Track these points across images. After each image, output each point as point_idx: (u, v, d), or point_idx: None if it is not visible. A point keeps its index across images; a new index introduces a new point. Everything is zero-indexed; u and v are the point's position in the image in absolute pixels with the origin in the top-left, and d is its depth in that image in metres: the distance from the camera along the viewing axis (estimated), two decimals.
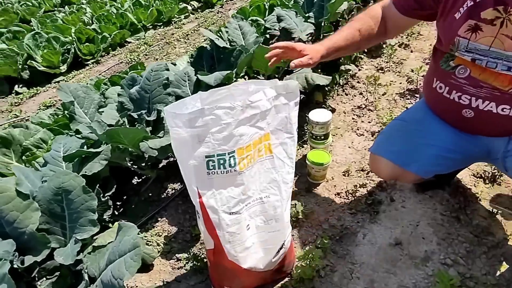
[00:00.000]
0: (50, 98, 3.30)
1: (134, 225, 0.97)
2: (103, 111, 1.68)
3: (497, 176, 1.55)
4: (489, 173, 1.58)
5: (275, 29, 2.54)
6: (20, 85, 3.55)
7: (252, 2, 3.58)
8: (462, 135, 1.21)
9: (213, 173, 1.03)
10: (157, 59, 3.66)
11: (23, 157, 1.71)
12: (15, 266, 0.96)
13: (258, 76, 2.19)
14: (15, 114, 3.06)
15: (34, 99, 3.37)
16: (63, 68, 3.71)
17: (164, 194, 1.73)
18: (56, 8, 6.45)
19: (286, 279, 1.28)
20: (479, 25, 1.01)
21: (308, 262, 1.27)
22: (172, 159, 1.83)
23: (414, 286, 1.20)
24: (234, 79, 1.93)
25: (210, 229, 1.08)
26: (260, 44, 1.93)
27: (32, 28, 4.54)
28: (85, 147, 1.46)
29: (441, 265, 1.24)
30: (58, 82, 3.60)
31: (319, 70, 2.34)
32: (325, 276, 1.28)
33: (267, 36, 2.52)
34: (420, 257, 1.29)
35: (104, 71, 3.60)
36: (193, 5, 5.26)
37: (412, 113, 1.37)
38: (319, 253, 1.29)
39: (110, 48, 4.09)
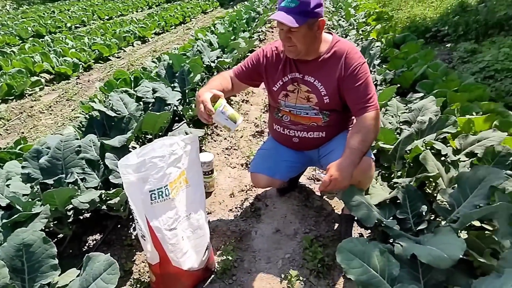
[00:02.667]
0: None
1: (101, 253, 1.20)
2: (9, 184, 1.71)
3: (320, 178, 2.36)
4: (315, 175, 2.37)
5: (147, 97, 2.93)
6: None
7: (115, 75, 3.81)
8: (298, 152, 1.89)
9: (155, 202, 1.36)
10: (23, 133, 3.42)
11: None
12: None
13: (147, 136, 2.53)
14: None
15: None
16: None
17: (86, 247, 1.83)
18: None
19: (213, 275, 1.64)
20: (288, 93, 1.70)
21: (225, 259, 1.69)
22: (87, 215, 1.94)
23: (293, 251, 1.76)
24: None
25: (157, 245, 1.38)
26: (148, 111, 2.32)
27: None
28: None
29: (304, 234, 1.86)
30: None
31: (191, 125, 2.86)
32: (238, 266, 1.70)
33: (141, 103, 2.89)
34: (292, 234, 1.88)
35: None
36: (45, 78, 5.03)
37: (268, 144, 1.98)
38: (230, 251, 1.73)
39: None
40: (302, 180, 2.31)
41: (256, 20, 7.00)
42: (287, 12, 1.45)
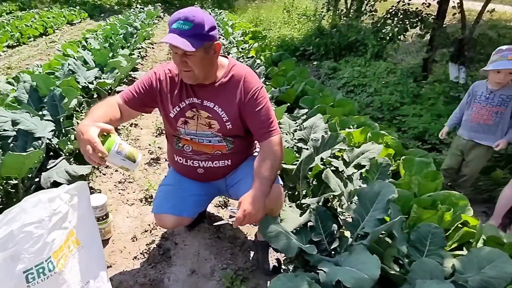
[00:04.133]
0: None
1: None
2: None
3: (227, 203, 2.25)
4: (222, 201, 2.25)
5: (5, 130, 2.29)
6: None
7: None
8: (204, 184, 1.72)
9: (33, 284, 1.01)
10: None
11: None
12: None
13: (10, 181, 1.94)
14: None
15: None
16: None
17: None
18: None
19: None
20: (187, 120, 1.53)
21: None
22: None
23: None
24: None
25: None
26: (9, 152, 1.77)
27: None
28: None
29: (221, 270, 1.70)
30: None
31: (72, 160, 2.37)
32: None
33: None
34: (208, 273, 1.70)
35: None
36: None
37: (170, 179, 1.74)
38: None
39: None
40: (210, 208, 2.15)
41: (135, 35, 6.49)
42: (180, 35, 1.30)
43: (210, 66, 1.45)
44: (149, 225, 1.99)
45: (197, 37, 1.31)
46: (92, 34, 6.53)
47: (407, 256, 1.44)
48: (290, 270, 1.74)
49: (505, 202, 2.27)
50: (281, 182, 1.64)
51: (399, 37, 4.48)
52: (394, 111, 4.07)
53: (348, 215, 1.89)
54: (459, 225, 1.71)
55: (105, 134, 1.26)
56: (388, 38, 4.56)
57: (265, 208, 1.38)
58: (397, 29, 4.24)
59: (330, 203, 1.96)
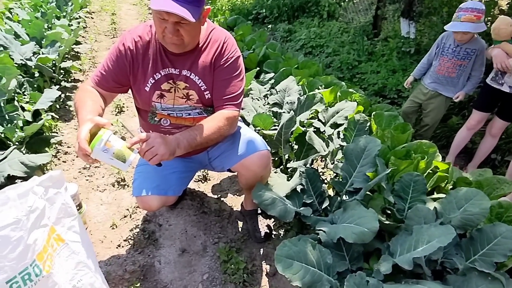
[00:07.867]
0: None
1: None
2: None
3: (207, 176, 2.17)
4: (201, 176, 2.16)
5: None
6: None
7: None
8: (185, 159, 1.62)
9: None
10: None
11: None
12: None
13: None
14: None
15: None
16: None
17: None
18: None
19: None
20: (163, 93, 1.38)
21: None
22: None
23: (209, 268, 1.55)
24: None
25: None
26: None
27: None
28: None
29: (213, 245, 1.66)
30: None
31: (24, 149, 2.09)
32: None
33: None
34: (200, 249, 1.65)
35: None
36: None
37: None
38: None
39: None
40: (190, 184, 2.05)
41: (70, 3, 5.74)
42: (178, 1, 1.13)
43: (199, 33, 1.31)
44: (128, 209, 1.86)
45: (195, 3, 1.17)
46: (16, 3, 5.65)
47: (393, 205, 1.50)
48: (281, 235, 1.75)
49: (459, 142, 2.50)
50: (268, 148, 1.58)
51: None
52: (353, 69, 4.14)
53: (331, 174, 1.92)
54: (430, 171, 1.81)
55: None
56: None
57: (255, 174, 1.35)
58: None
59: (312, 165, 1.96)
